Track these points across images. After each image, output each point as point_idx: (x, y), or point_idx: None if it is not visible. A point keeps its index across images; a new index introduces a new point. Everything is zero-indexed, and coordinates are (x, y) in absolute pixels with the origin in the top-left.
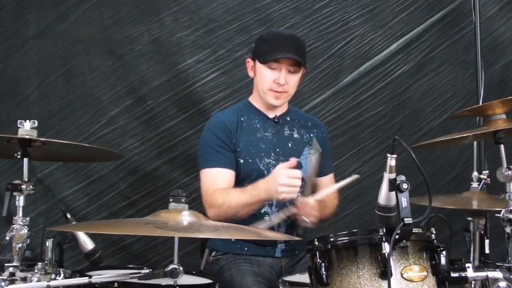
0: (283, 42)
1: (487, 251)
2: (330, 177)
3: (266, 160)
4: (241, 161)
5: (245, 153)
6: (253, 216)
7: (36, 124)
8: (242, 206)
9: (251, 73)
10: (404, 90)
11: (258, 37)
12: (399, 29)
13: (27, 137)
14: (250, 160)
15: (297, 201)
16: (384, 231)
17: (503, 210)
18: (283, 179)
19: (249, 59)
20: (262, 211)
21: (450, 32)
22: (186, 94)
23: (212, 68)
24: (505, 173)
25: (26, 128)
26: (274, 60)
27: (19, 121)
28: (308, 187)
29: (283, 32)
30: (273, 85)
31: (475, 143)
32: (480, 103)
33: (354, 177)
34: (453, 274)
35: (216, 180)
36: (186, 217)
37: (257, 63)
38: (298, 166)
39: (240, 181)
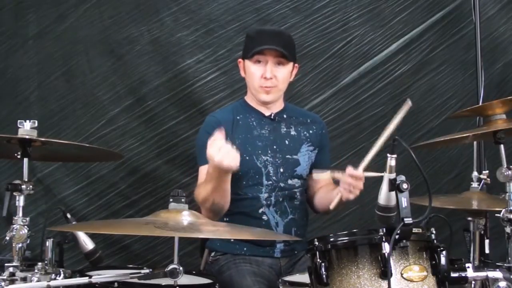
0: (265, 35)
1: (487, 251)
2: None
3: (263, 157)
4: None
5: (242, 150)
6: (250, 217)
7: (36, 124)
8: (210, 191)
9: (242, 73)
10: (404, 90)
11: (245, 36)
12: (399, 29)
13: (27, 137)
14: (247, 158)
15: (348, 171)
16: (384, 231)
17: (503, 210)
18: (210, 148)
19: (240, 60)
20: (260, 211)
21: (450, 32)
22: (186, 94)
23: (212, 68)
24: (505, 173)
25: (26, 128)
26: (258, 52)
27: (19, 121)
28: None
29: (266, 27)
30: (261, 81)
31: (475, 143)
32: (480, 103)
33: (408, 105)
34: (453, 274)
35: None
36: (186, 217)
37: (246, 61)
38: (296, 163)
39: (238, 179)
